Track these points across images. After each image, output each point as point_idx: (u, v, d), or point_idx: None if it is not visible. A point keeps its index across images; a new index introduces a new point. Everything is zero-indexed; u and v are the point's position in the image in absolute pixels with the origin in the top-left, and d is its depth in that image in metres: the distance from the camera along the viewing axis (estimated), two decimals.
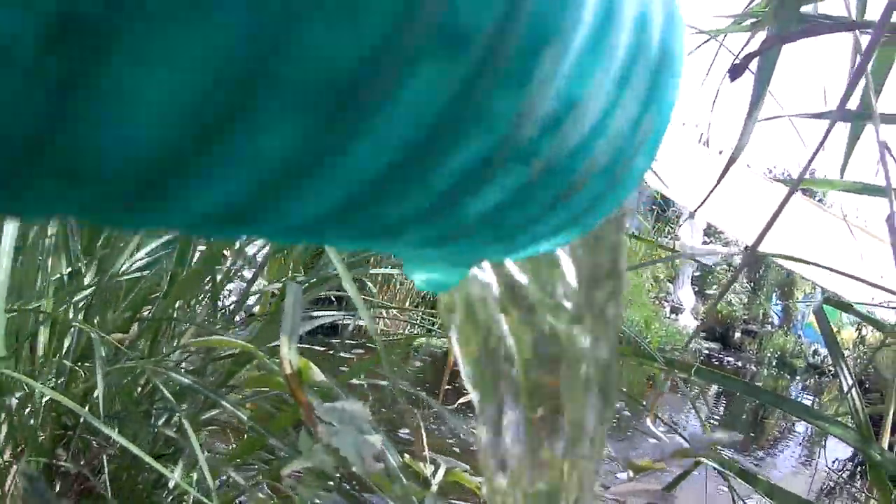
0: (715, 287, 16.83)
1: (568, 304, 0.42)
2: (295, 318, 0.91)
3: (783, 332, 15.70)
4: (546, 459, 0.45)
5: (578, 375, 0.43)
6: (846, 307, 1.44)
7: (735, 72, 1.11)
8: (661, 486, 1.11)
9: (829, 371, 10.50)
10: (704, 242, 16.98)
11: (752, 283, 18.26)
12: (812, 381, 10.82)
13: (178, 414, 1.34)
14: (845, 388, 1.19)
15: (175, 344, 1.71)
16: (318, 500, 0.87)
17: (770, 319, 16.96)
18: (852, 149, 1.51)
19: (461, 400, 2.46)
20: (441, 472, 1.01)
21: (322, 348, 2.07)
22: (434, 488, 0.97)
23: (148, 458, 1.13)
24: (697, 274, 16.39)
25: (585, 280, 0.42)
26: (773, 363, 14.01)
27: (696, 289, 15.89)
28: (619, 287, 0.43)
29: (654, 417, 1.04)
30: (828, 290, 9.71)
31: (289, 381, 0.79)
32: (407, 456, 1.00)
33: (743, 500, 1.39)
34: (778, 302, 17.40)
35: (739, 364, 13.39)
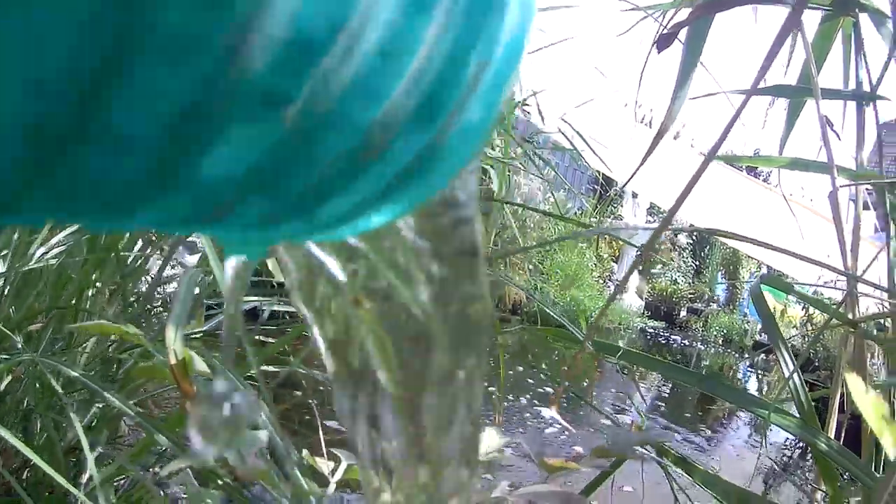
0: (659, 266, 16.95)
1: (422, 288, 0.37)
2: (186, 304, 0.86)
3: (729, 311, 15.84)
4: (420, 454, 0.42)
5: (440, 368, 0.40)
6: (786, 287, 1.39)
7: (663, 42, 1.06)
8: (591, 477, 1.06)
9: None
10: (648, 222, 17.11)
11: (697, 262, 18.41)
12: (759, 359, 10.89)
13: (68, 406, 1.29)
14: (786, 373, 1.15)
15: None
16: (209, 501, 0.81)
17: (716, 298, 17.10)
18: (792, 125, 1.47)
19: None
20: (342, 468, 0.95)
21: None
22: (332, 486, 0.91)
23: (34, 457, 1.08)
24: (641, 254, 16.45)
25: (437, 259, 0.37)
26: (720, 342, 14.10)
27: (641, 268, 15.98)
28: (476, 264, 0.38)
29: (558, 406, 0.99)
30: (774, 268, 9.78)
31: (174, 372, 0.74)
32: (305, 452, 0.94)
33: (684, 490, 1.35)
34: (723, 281, 17.56)
35: (686, 343, 13.47)
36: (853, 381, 0.48)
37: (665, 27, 1.14)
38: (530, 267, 10.32)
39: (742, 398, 1.18)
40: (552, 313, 1.51)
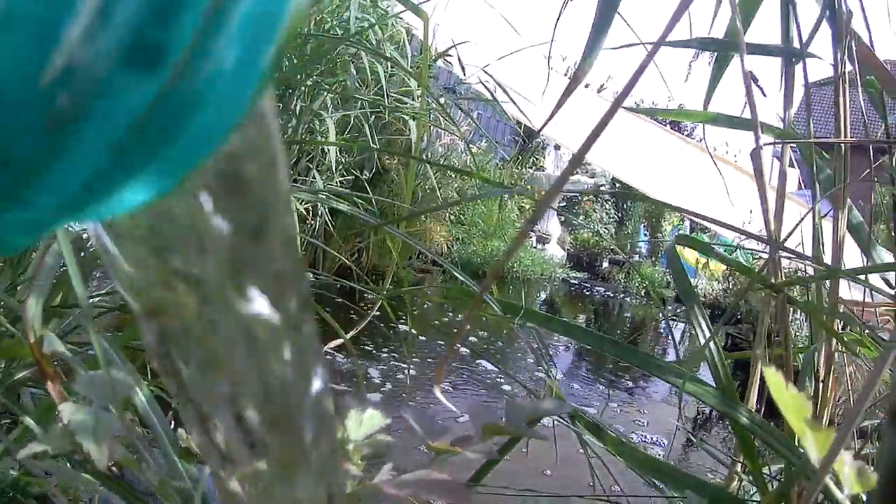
0: (581, 217, 17.08)
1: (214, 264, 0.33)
2: (48, 276, 0.80)
3: (651, 263, 15.98)
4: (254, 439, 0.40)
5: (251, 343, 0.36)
6: (705, 248, 1.35)
7: None
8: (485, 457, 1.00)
9: (701, 301, 10.64)
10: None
11: (619, 214, 18.56)
12: (682, 310, 11.04)
13: None
14: (702, 339, 1.10)
15: None
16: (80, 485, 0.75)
17: (638, 250, 17.26)
18: (718, 80, 1.43)
19: None
20: None
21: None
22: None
23: None
24: (563, 204, 16.66)
25: (238, 233, 0.32)
26: (642, 293, 14.22)
27: (563, 219, 16.11)
28: (284, 234, 0.34)
29: (440, 381, 0.93)
30: (697, 222, 9.87)
31: (33, 350, 0.68)
32: (181, 431, 0.87)
33: (599, 457, 1.32)
34: (646, 234, 17.74)
35: (610, 294, 13.61)
36: (772, 378, 0.43)
37: None
38: (451, 218, 10.31)
39: (653, 365, 1.14)
40: (456, 272, 1.46)
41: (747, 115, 1.24)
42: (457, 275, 1.44)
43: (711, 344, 1.09)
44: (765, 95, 1.28)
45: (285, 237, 0.33)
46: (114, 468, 0.90)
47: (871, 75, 1.29)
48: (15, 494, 1.29)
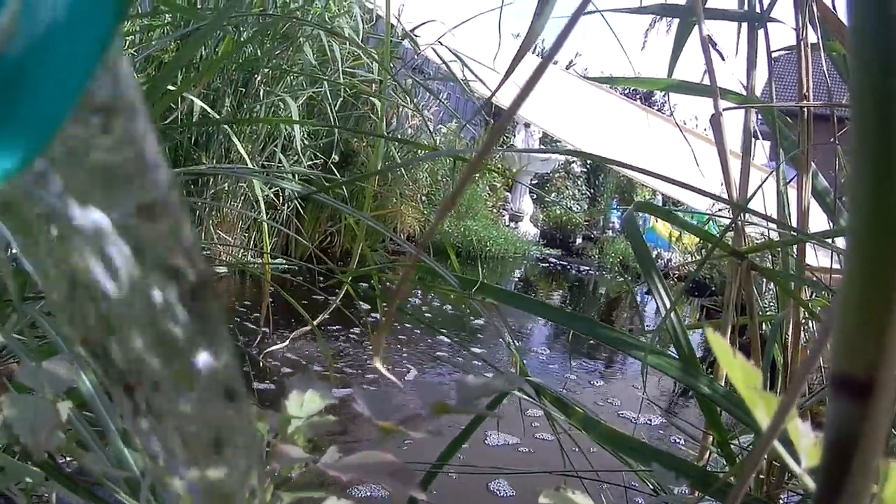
0: (554, 194, 17.06)
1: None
2: None
3: (624, 238, 15.98)
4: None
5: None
6: (664, 214, 1.33)
7: None
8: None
9: (674, 275, 10.68)
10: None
11: (591, 190, 18.55)
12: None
13: None
14: (662, 310, 1.09)
15: None
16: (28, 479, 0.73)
17: (611, 225, 17.27)
18: (681, 47, 1.42)
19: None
20: None
21: None
22: None
23: None
24: (535, 182, 16.63)
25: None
26: (616, 268, 14.23)
27: (535, 196, 16.10)
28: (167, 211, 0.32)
29: (379, 354, 0.91)
30: (668, 196, 9.84)
31: None
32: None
33: (567, 432, 1.30)
34: (618, 208, 17.72)
35: (587, 270, 13.62)
36: (717, 344, 0.41)
37: None
38: (423, 199, 10.29)
39: (616, 340, 1.12)
40: (408, 247, 1.46)
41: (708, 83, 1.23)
42: (422, 257, 1.43)
43: (673, 315, 1.07)
44: (723, 59, 1.27)
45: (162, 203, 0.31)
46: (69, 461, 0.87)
47: (835, 39, 1.27)
48: None
